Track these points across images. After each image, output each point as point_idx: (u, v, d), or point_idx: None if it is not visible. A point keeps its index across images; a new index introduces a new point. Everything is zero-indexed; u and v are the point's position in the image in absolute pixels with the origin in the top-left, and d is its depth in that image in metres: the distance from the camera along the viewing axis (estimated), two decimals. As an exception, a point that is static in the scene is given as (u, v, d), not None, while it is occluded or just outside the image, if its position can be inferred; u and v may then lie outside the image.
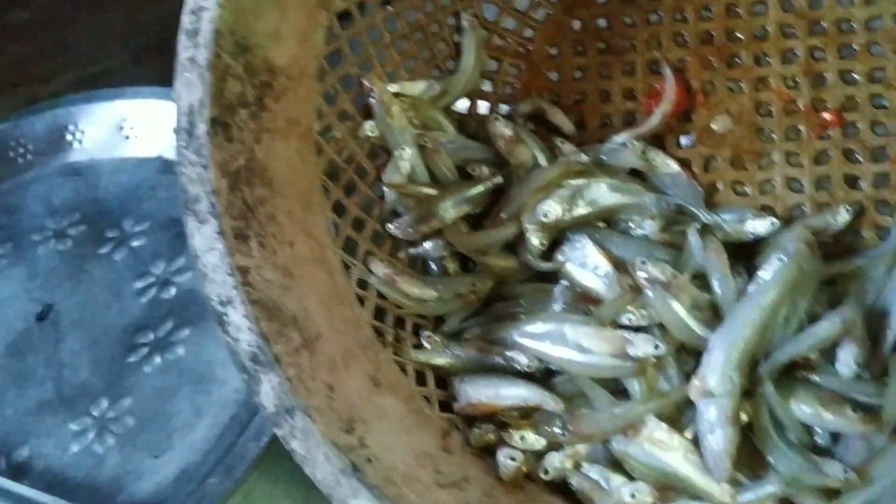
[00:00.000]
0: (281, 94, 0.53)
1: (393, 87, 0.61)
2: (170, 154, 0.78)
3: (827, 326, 0.53)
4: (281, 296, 0.48)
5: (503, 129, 0.62)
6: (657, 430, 0.51)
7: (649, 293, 0.54)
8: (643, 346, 0.53)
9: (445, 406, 0.55)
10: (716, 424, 0.50)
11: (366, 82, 0.60)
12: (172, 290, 0.70)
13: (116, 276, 0.72)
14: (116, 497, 0.61)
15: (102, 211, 0.77)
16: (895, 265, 0.57)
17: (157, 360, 0.67)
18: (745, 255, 0.60)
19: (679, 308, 0.54)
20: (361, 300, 0.55)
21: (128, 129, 0.79)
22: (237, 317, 0.46)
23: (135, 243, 0.74)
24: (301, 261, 0.52)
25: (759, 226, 0.60)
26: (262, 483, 0.61)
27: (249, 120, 0.50)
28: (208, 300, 0.47)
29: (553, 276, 0.60)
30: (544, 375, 0.56)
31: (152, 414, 0.64)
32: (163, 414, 0.64)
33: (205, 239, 0.47)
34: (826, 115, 0.62)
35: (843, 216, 0.60)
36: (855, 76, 0.62)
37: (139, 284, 0.71)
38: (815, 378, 0.54)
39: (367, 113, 0.61)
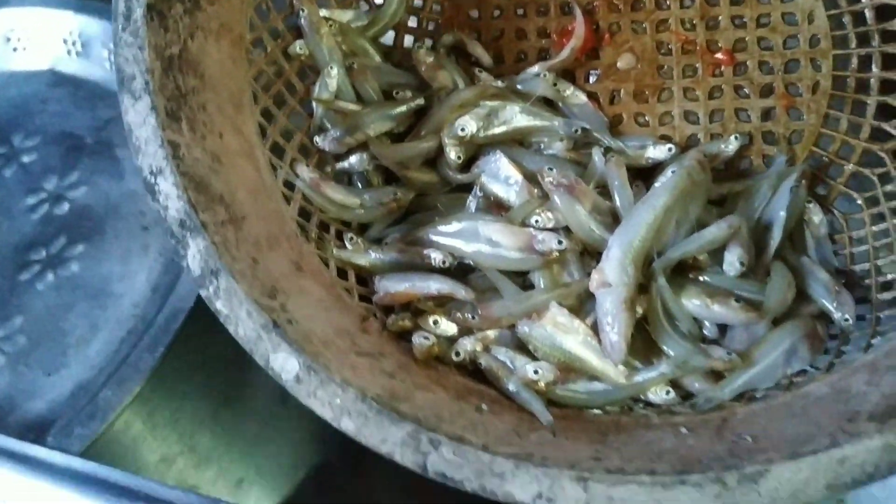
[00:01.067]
0: (215, -3, 0.56)
1: (323, 12, 0.65)
2: (62, 66, 0.78)
3: (714, 230, 0.59)
4: (209, 175, 0.51)
5: (425, 56, 0.67)
6: (559, 315, 0.55)
7: (555, 197, 0.59)
8: (548, 242, 0.57)
9: (365, 301, 0.59)
10: (612, 311, 0.54)
11: (295, 1, 0.63)
12: (66, 206, 0.69)
13: (6, 192, 0.71)
14: (8, 417, 0.60)
15: (-9, 126, 0.75)
16: (778, 185, 0.63)
17: (50, 277, 0.65)
18: (645, 178, 0.65)
19: (581, 210, 0.59)
20: (287, 199, 0.59)
21: (15, 40, 0.76)
22: (167, 185, 0.49)
23: (25, 159, 0.72)
24: (230, 152, 0.55)
25: (658, 152, 0.66)
26: (166, 402, 0.61)
27: (184, 15, 0.53)
28: (140, 172, 0.50)
29: (469, 190, 0.64)
30: (458, 273, 0.60)
31: (45, 332, 0.63)
32: (57, 331, 0.63)
33: (138, 114, 0.50)
34: (719, 55, 0.69)
35: (733, 144, 0.66)
36: (745, 20, 0.69)
37: (30, 201, 0.70)
38: (705, 278, 0.60)
39: (299, 34, 0.65)
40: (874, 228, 0.63)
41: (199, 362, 0.65)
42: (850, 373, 0.52)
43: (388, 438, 0.45)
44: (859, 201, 0.65)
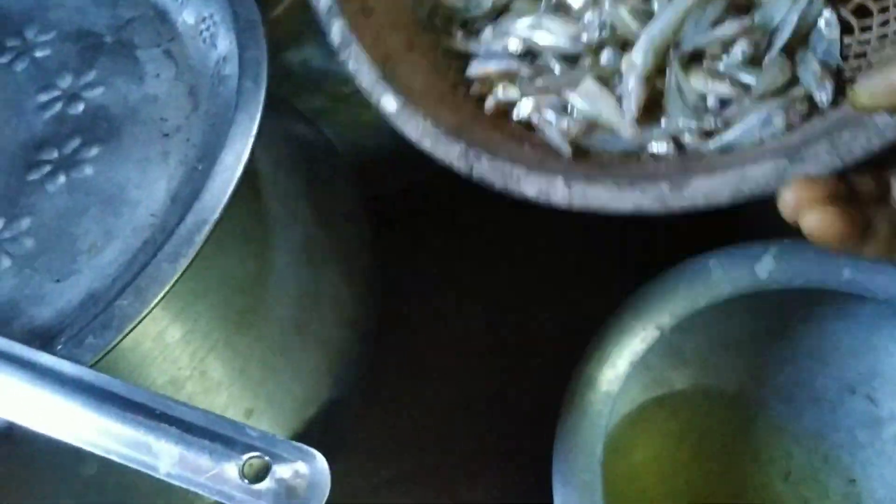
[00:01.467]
0: None
1: None
2: (82, -41, 0.72)
3: (727, 26, 0.75)
4: (347, -15, 0.76)
5: None
6: (592, 86, 0.76)
7: (605, 1, 0.78)
8: (593, 32, 0.77)
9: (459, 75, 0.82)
10: (632, 83, 0.74)
11: None
12: (80, 106, 0.64)
13: (16, 87, 0.66)
14: (12, 322, 0.55)
15: (2, 17, 0.69)
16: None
17: (62, 178, 0.61)
18: None
19: (623, 10, 0.78)
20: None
21: (35, -72, 0.70)
22: (319, -10, 0.74)
23: (39, 54, 0.67)
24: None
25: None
26: (180, 321, 0.58)
27: None
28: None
29: None
30: (527, 56, 0.81)
31: (55, 236, 0.59)
32: (67, 236, 0.59)
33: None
34: None
35: (766, -40, 0.81)
36: None
37: (43, 98, 0.65)
38: (714, 65, 0.77)
39: None
40: (879, 31, 0.76)
41: (214, 283, 0.63)
42: (798, 134, 0.69)
43: (449, 153, 0.69)
44: (873, 8, 0.78)
